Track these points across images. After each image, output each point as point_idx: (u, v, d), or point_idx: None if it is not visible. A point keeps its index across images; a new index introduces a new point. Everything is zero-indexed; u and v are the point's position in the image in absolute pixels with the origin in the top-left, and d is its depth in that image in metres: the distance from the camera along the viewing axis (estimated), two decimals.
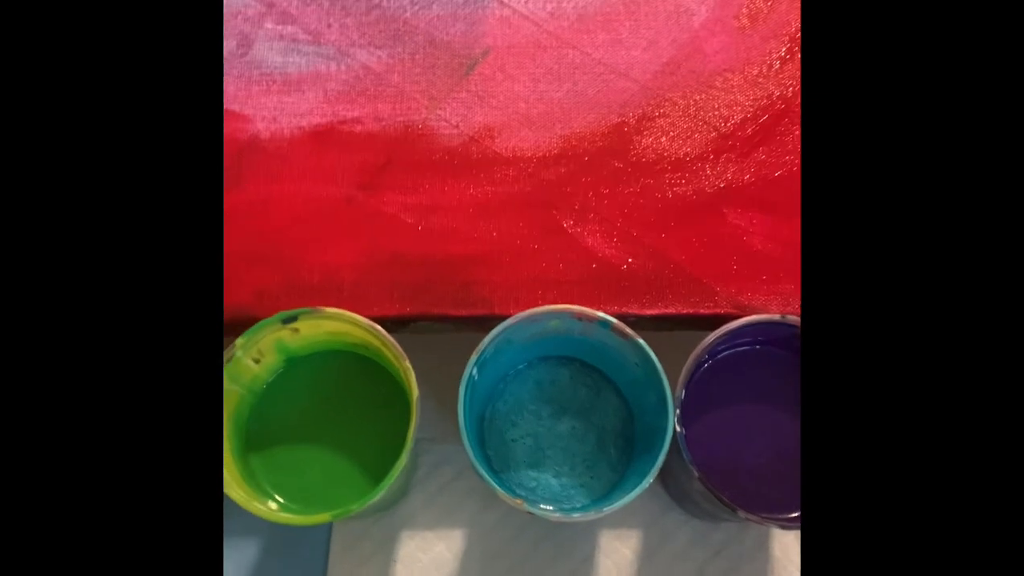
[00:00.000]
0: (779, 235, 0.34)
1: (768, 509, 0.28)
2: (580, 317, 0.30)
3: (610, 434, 0.33)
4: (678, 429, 0.28)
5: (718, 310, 0.33)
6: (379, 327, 0.29)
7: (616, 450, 0.32)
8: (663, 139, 0.35)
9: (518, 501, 0.28)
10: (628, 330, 0.29)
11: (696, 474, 0.27)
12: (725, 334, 0.29)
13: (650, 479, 0.27)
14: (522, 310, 0.30)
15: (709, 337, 0.29)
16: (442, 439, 0.37)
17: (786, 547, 0.37)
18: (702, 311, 0.33)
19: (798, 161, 0.35)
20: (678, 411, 0.28)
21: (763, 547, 0.37)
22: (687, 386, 0.29)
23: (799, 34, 0.36)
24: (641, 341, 0.29)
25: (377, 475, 0.30)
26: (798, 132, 0.35)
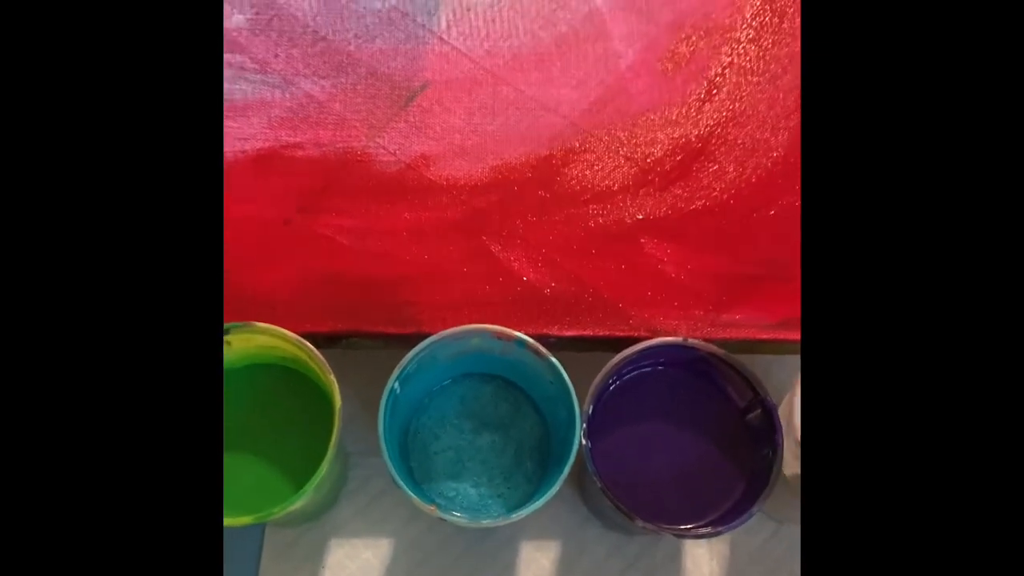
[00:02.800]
0: (690, 264, 0.36)
1: (666, 519, 0.30)
2: (499, 336, 0.32)
3: (527, 448, 0.34)
4: (584, 442, 0.30)
5: (632, 333, 0.35)
6: (306, 341, 0.31)
7: (532, 463, 0.34)
8: (587, 172, 0.38)
9: (431, 507, 0.29)
10: (543, 349, 0.31)
11: (599, 484, 0.29)
12: (632, 355, 0.31)
13: (556, 487, 0.29)
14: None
15: (616, 357, 0.31)
16: (372, 452, 0.39)
17: (697, 559, 0.39)
18: (617, 333, 0.35)
19: (711, 196, 0.37)
20: (584, 425, 0.30)
21: (675, 559, 0.39)
22: (595, 403, 0.31)
23: (717, 78, 0.39)
24: (554, 359, 0.31)
25: (304, 484, 0.32)
26: (713, 169, 0.38)
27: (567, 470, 0.29)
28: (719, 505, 0.32)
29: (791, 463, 0.31)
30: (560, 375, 0.31)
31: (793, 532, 0.39)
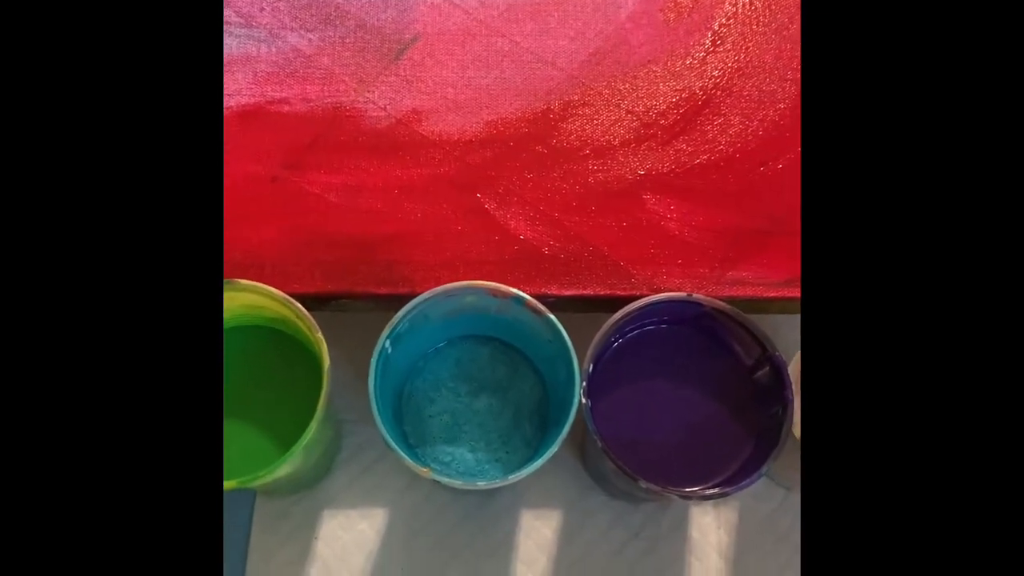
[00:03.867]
0: (695, 221, 0.35)
1: (673, 482, 0.29)
2: (494, 294, 0.31)
3: (526, 411, 0.33)
4: (584, 400, 0.28)
5: (634, 291, 0.34)
6: (293, 299, 0.29)
7: (531, 426, 0.33)
8: (586, 126, 0.36)
9: (424, 470, 0.28)
10: (540, 306, 0.30)
11: (600, 444, 0.28)
12: (634, 311, 0.30)
13: (555, 448, 0.28)
14: None
15: (618, 313, 0.30)
16: (365, 420, 0.37)
17: (703, 528, 0.37)
18: (619, 292, 0.34)
19: (716, 150, 0.36)
20: (584, 383, 0.29)
21: (680, 528, 0.37)
22: (596, 362, 0.30)
23: (721, 28, 0.38)
24: (552, 317, 0.30)
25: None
26: (718, 122, 0.36)
27: (566, 430, 0.28)
28: (727, 467, 0.30)
29: (800, 423, 0.30)
30: (559, 332, 0.30)
31: None
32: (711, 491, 0.28)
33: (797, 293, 0.34)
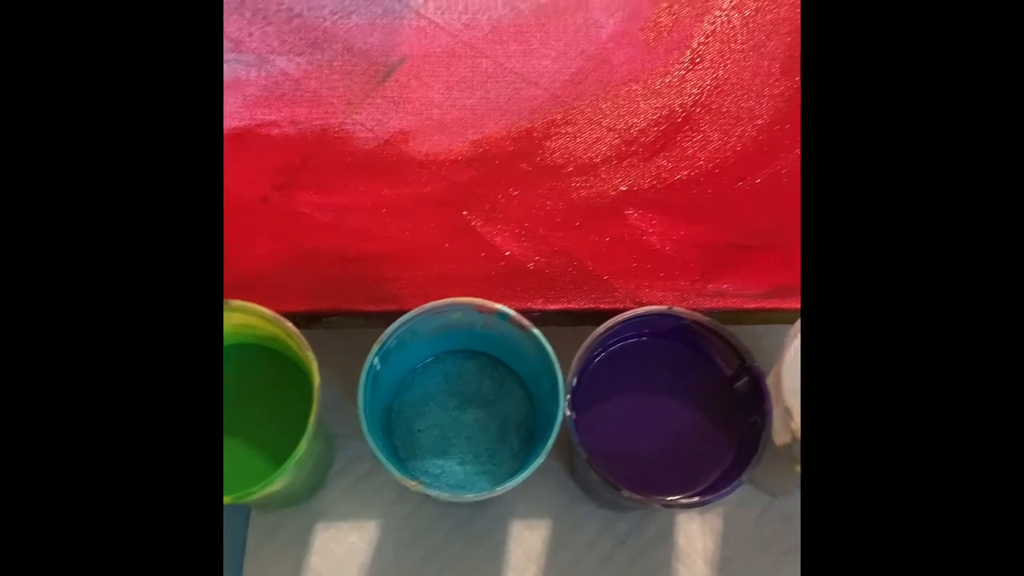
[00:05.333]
0: (676, 235, 0.36)
1: (654, 491, 0.30)
2: (480, 309, 0.31)
3: (512, 424, 0.34)
4: (568, 413, 0.29)
5: (617, 305, 0.35)
6: (282, 317, 0.30)
7: (518, 439, 0.34)
8: (569, 144, 0.37)
9: (414, 483, 0.29)
10: (525, 321, 0.31)
11: (584, 455, 0.29)
12: (616, 324, 0.31)
13: (541, 459, 0.29)
14: None
15: (600, 327, 0.31)
16: (358, 435, 0.38)
17: (690, 535, 0.38)
18: (602, 306, 0.35)
19: (696, 166, 0.37)
20: (568, 396, 0.29)
21: (667, 536, 0.38)
22: (580, 375, 0.31)
23: (700, 47, 0.39)
24: (536, 332, 0.31)
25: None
26: (697, 139, 0.37)
27: (551, 442, 0.29)
28: (708, 475, 0.31)
29: (780, 432, 0.30)
30: (543, 347, 0.30)
31: (787, 505, 0.38)
32: (692, 499, 0.29)
33: (776, 304, 0.35)
